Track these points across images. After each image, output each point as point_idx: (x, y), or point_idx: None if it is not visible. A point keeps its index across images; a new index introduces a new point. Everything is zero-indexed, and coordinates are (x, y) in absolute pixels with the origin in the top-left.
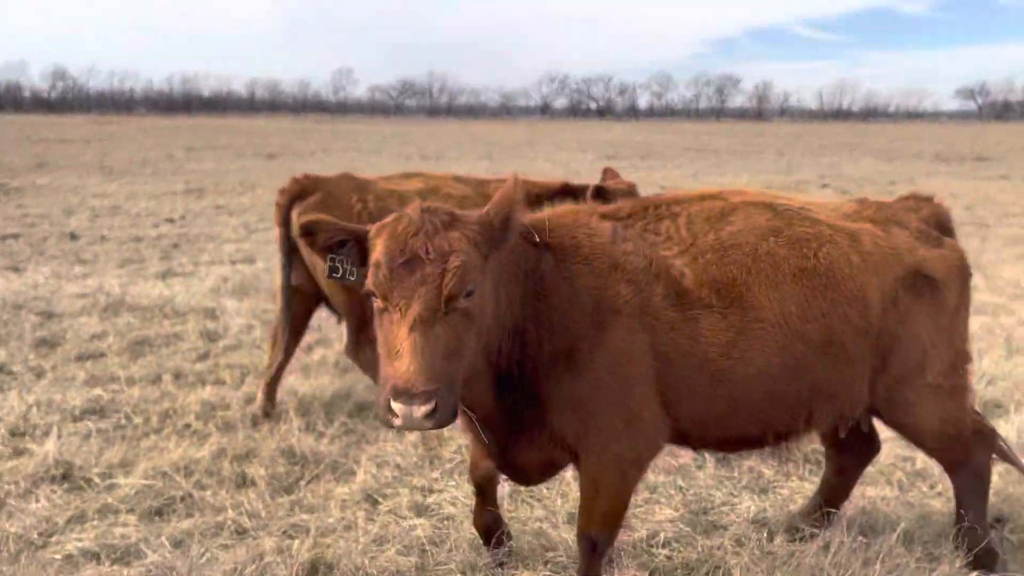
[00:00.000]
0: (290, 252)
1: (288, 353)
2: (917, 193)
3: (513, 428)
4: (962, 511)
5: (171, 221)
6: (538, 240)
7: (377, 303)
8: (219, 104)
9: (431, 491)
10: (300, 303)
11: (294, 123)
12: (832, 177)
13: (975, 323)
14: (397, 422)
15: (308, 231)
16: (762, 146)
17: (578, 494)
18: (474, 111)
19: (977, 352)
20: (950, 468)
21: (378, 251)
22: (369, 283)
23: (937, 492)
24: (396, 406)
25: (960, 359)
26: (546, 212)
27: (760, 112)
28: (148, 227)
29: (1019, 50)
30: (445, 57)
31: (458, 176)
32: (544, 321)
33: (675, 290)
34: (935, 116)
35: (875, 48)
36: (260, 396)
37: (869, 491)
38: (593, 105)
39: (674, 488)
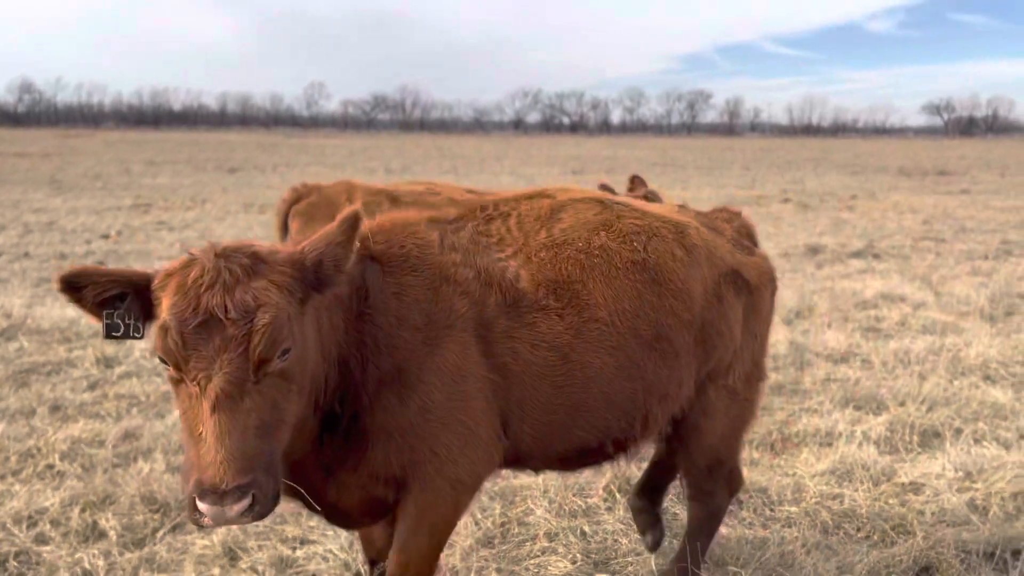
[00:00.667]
0: None
1: None
2: (728, 207)
3: (332, 468)
4: (687, 548)
5: (105, 237)
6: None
7: (169, 372)
8: (189, 118)
9: (303, 543)
10: None
11: (264, 137)
12: (795, 192)
13: (921, 343)
14: (206, 522)
15: (72, 286)
16: (729, 161)
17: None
18: (447, 126)
19: (918, 375)
20: (697, 496)
21: (165, 309)
22: (157, 348)
23: (864, 535)
24: (203, 506)
25: (756, 372)
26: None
27: (731, 127)
28: (79, 244)
29: (983, 68)
30: (418, 72)
31: (470, 188)
32: (369, 343)
33: (511, 295)
34: (902, 132)
35: (843, 65)
36: None
37: (788, 532)
38: (566, 120)
39: (576, 535)
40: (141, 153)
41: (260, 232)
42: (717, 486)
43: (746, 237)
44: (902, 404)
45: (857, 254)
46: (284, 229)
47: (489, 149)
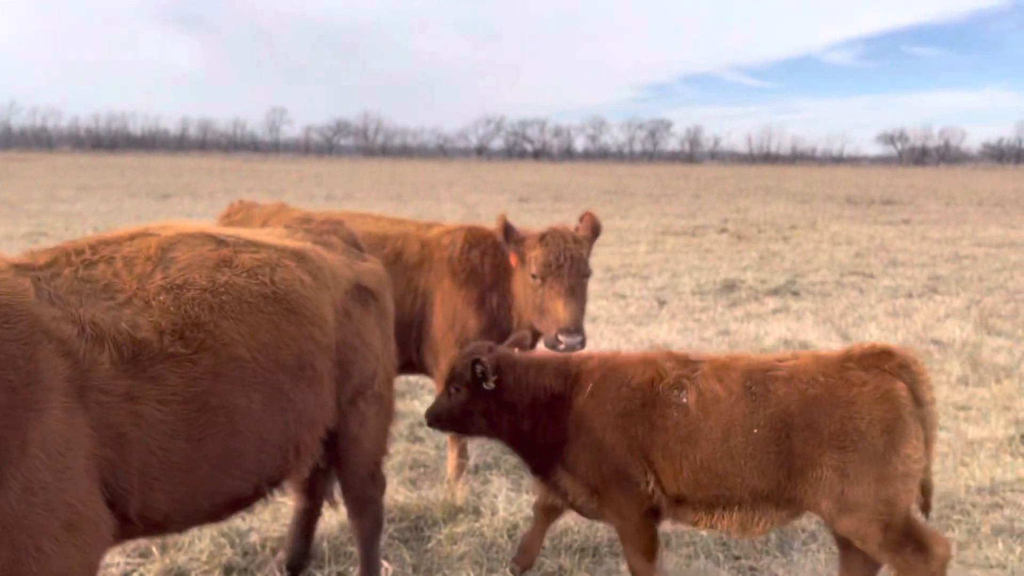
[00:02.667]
0: None
1: None
2: (331, 217)
3: None
4: (370, 560)
5: None
6: None
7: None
8: (147, 142)
9: None
10: None
11: (221, 162)
12: (735, 221)
13: None
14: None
15: None
16: (680, 189)
17: None
18: (410, 152)
19: None
20: (361, 509)
21: None
22: None
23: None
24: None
25: (392, 371)
26: None
27: (691, 155)
28: None
29: (936, 98)
30: (382, 98)
31: (397, 219)
32: None
33: (129, 349)
34: (857, 160)
35: (802, 94)
36: None
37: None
38: (529, 147)
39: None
40: (80, 178)
41: None
42: (376, 491)
43: (353, 244)
44: None
45: (775, 291)
46: None
47: (445, 176)
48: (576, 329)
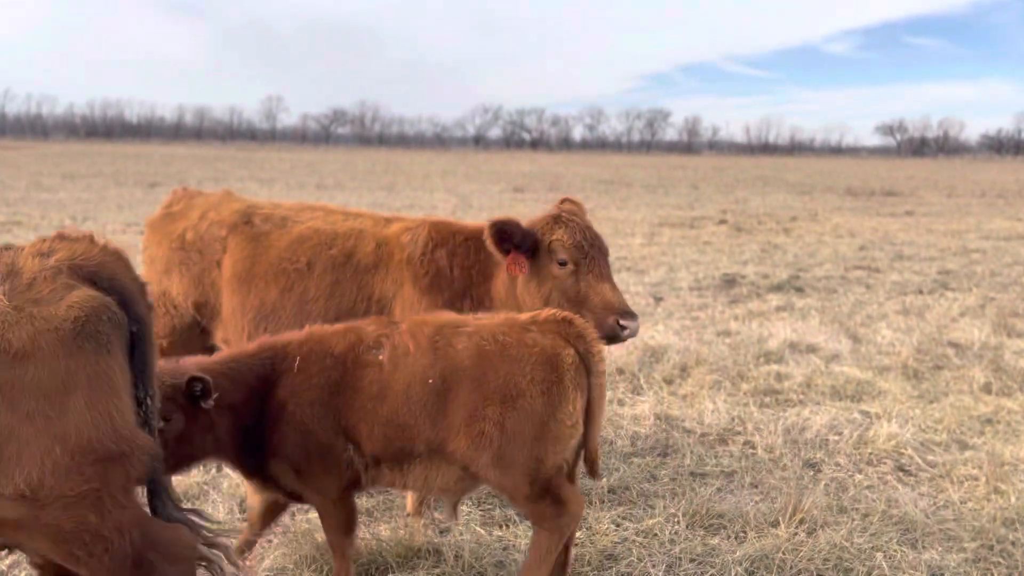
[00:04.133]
0: None
1: None
2: (64, 232)
3: None
4: None
5: None
6: None
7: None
8: (143, 130)
9: None
10: None
11: (215, 151)
12: (735, 212)
13: (823, 416)
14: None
15: None
16: (678, 179)
17: None
18: (407, 141)
19: (809, 466)
20: None
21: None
22: None
23: None
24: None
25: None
26: None
27: (689, 145)
28: None
29: (936, 89)
30: (379, 87)
31: (358, 212)
32: None
33: None
34: (856, 151)
35: (801, 85)
36: None
37: None
38: (527, 136)
39: None
40: (68, 166)
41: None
42: None
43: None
44: (773, 525)
45: (778, 287)
46: None
47: (440, 165)
48: (632, 311)
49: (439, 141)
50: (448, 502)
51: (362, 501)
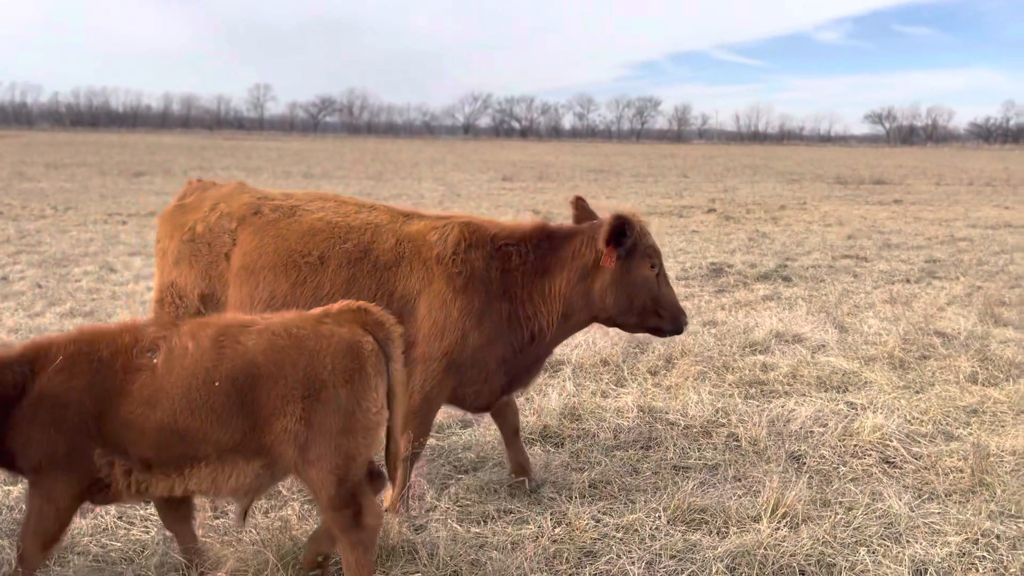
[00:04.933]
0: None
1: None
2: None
3: None
4: None
5: None
6: None
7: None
8: (129, 119)
9: None
10: None
11: (202, 140)
12: (723, 201)
13: (808, 407)
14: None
15: None
16: (667, 168)
17: None
18: (396, 130)
19: (792, 459)
20: None
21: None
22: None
23: None
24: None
25: None
26: None
27: (679, 134)
28: None
29: (924, 78)
30: (368, 76)
31: (366, 204)
32: None
33: None
34: (845, 140)
35: (791, 73)
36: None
37: None
38: (516, 125)
39: None
40: (52, 155)
41: (84, 249)
42: None
43: None
44: (755, 520)
45: (765, 277)
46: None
47: (429, 154)
48: None
49: (428, 130)
50: (239, 505)
51: None
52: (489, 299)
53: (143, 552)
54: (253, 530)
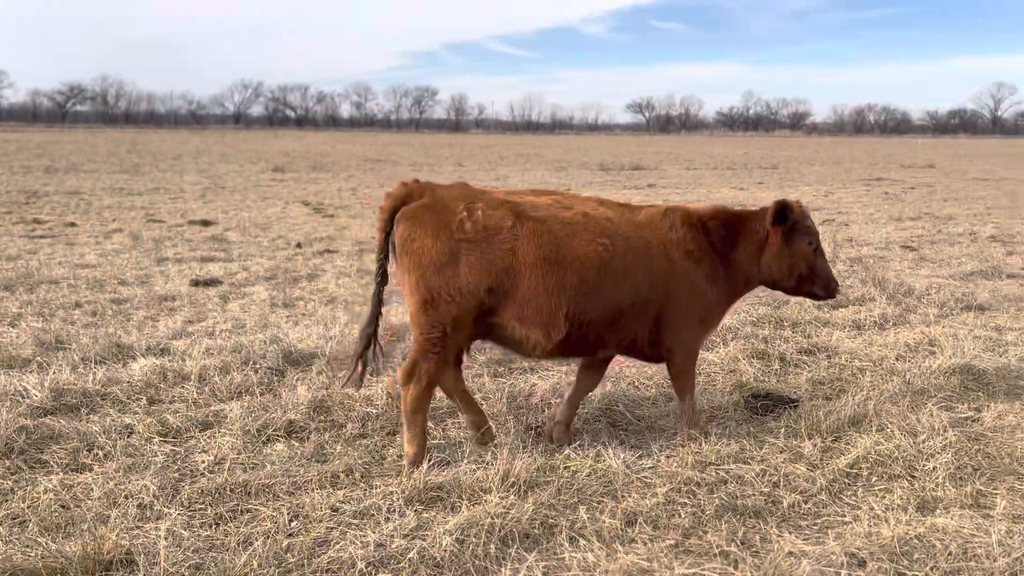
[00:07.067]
0: (386, 260)
1: (453, 374)
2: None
3: None
4: None
5: None
6: None
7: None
8: None
9: None
10: None
11: None
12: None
13: (549, 382)
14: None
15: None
16: (444, 157)
17: None
18: (158, 120)
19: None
20: None
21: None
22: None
23: None
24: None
25: None
26: None
27: (458, 123)
28: None
29: (678, 70)
30: (123, 61)
31: (603, 199)
32: None
33: None
34: (610, 128)
35: (561, 65)
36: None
37: None
38: (292, 114)
39: None
40: None
41: None
42: None
43: None
44: (487, 492)
45: None
46: (386, 228)
47: (195, 144)
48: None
49: (195, 119)
50: None
51: (50, 516)
52: (708, 268)
53: None
54: None
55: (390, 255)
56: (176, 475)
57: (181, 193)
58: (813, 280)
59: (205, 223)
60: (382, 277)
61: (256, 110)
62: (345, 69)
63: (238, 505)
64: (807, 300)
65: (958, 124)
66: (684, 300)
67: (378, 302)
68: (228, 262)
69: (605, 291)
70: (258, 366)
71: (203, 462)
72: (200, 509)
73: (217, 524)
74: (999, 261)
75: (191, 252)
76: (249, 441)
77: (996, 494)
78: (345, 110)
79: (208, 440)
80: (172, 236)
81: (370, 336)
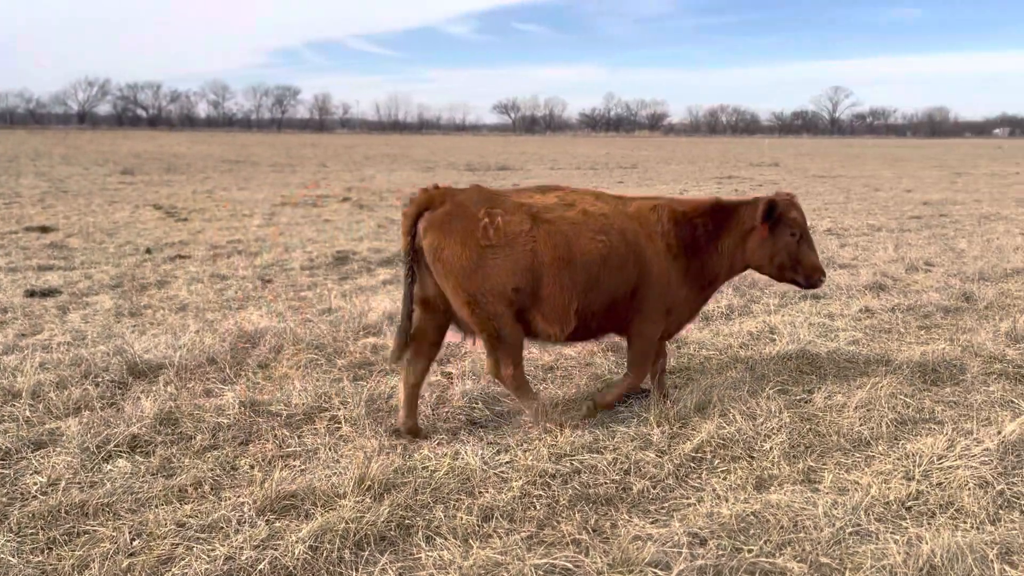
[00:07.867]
0: (414, 263)
1: (421, 368)
2: None
3: None
4: None
5: None
6: None
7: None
8: None
9: None
10: (429, 317)
11: None
12: (360, 190)
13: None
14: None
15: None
16: (307, 158)
17: None
18: None
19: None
20: None
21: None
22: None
23: None
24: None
25: None
26: None
27: (322, 123)
28: None
29: (541, 72)
30: None
31: (599, 193)
32: None
33: None
34: (478, 129)
35: (427, 64)
36: (402, 414)
37: None
38: (143, 114)
39: None
40: None
41: None
42: None
43: None
44: (342, 497)
45: (388, 261)
46: (412, 232)
47: (33, 145)
48: (824, 270)
49: (34, 119)
50: None
51: None
52: (690, 258)
53: None
54: None
55: (417, 256)
56: (4, 500)
57: (16, 198)
58: (796, 269)
59: (44, 229)
60: (412, 276)
61: (103, 109)
62: (200, 67)
63: (74, 527)
64: None
65: (801, 125)
66: (657, 291)
67: (409, 300)
68: (69, 270)
69: (605, 284)
70: (99, 379)
71: (35, 484)
72: (31, 534)
73: (50, 548)
74: (833, 252)
75: (26, 260)
76: (88, 459)
77: (824, 469)
78: (202, 109)
79: (41, 460)
80: (4, 244)
81: (406, 332)
